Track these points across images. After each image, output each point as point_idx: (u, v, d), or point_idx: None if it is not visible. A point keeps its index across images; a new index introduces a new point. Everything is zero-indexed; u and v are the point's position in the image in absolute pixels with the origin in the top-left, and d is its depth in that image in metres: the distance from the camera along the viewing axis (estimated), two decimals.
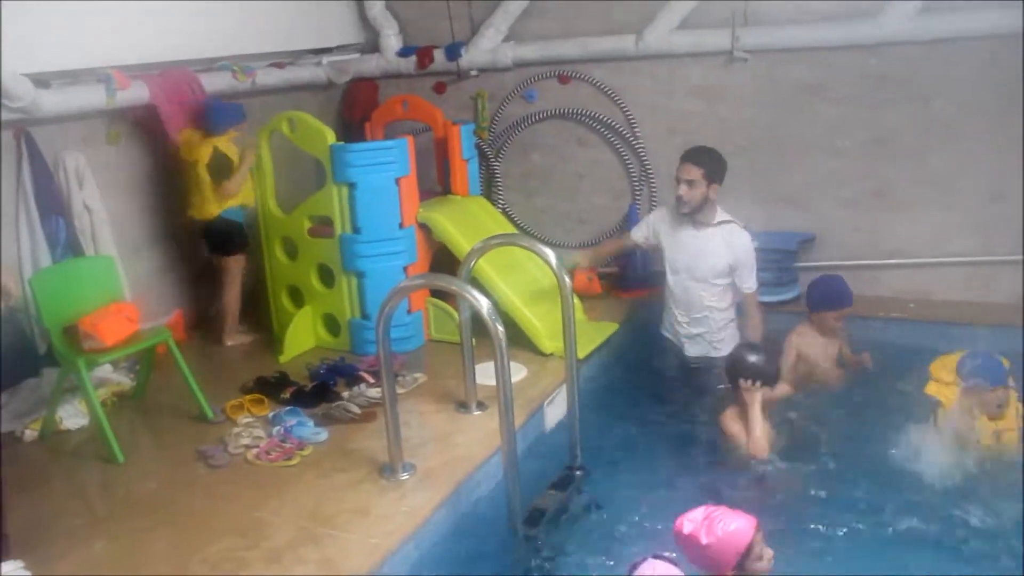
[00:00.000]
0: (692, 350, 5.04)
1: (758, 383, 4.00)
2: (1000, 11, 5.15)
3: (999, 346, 4.99)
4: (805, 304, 4.92)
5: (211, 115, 5.30)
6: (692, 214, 4.84)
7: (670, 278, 5.04)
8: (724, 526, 2.83)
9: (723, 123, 5.98)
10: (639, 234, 5.25)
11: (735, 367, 4.09)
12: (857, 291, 5.76)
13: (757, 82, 5.88)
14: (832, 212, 5.88)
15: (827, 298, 4.81)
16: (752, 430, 3.99)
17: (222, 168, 5.23)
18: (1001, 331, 5.20)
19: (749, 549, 2.83)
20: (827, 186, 5.86)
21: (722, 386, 4.89)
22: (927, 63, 5.46)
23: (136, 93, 5.10)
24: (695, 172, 4.74)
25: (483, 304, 3.43)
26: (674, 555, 2.83)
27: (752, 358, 4.05)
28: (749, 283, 4.86)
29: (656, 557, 2.77)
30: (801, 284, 5.83)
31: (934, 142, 5.58)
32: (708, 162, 4.76)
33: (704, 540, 2.82)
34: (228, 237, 5.44)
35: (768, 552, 2.90)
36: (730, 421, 4.15)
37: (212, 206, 5.30)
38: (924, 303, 5.69)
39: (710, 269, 4.86)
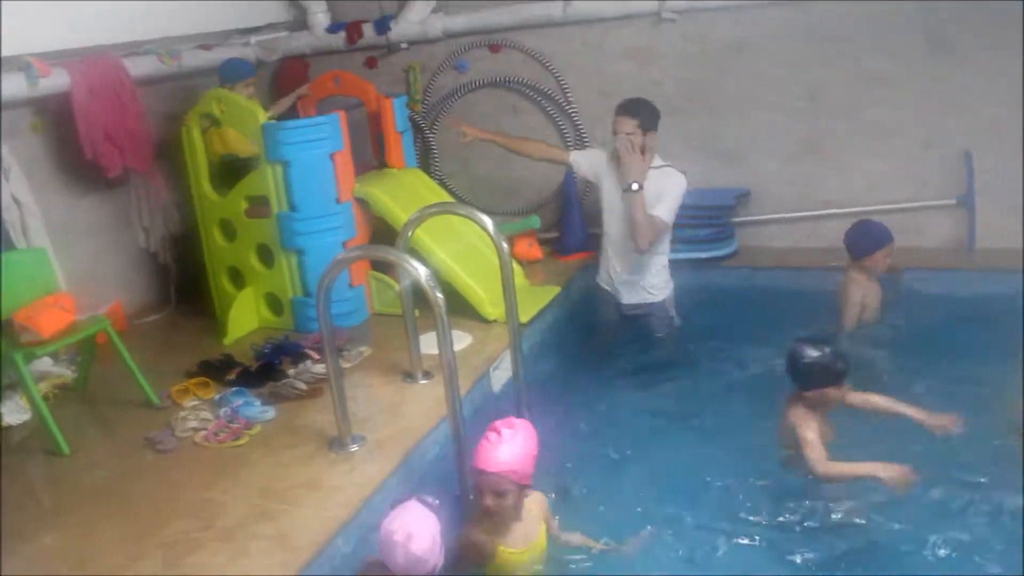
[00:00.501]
0: (628, 297, 5.10)
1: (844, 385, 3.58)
2: None
3: (940, 288, 5.19)
4: (851, 254, 4.74)
5: (222, 69, 5.72)
6: None
7: (608, 224, 5.08)
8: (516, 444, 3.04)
9: (655, 84, 6.01)
10: (581, 160, 5.21)
11: (814, 373, 3.55)
12: (793, 243, 5.97)
13: (687, 42, 5.93)
14: (767, 166, 5.97)
15: (874, 238, 4.68)
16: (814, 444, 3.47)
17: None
18: (941, 274, 5.36)
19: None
20: (761, 141, 5.94)
21: (661, 334, 5.03)
22: (854, 18, 5.54)
23: (58, 80, 4.99)
24: (630, 123, 4.80)
25: (421, 272, 3.44)
26: (437, 502, 2.91)
27: (827, 358, 3.52)
28: (660, 211, 4.78)
29: (419, 499, 2.87)
30: (739, 239, 5.93)
31: (865, 95, 5.67)
32: (641, 112, 4.84)
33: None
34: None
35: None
36: (803, 424, 3.55)
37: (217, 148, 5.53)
38: None
39: (647, 203, 4.83)
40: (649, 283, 5.05)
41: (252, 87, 5.75)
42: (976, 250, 5.60)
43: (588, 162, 5.19)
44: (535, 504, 3.28)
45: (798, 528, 3.45)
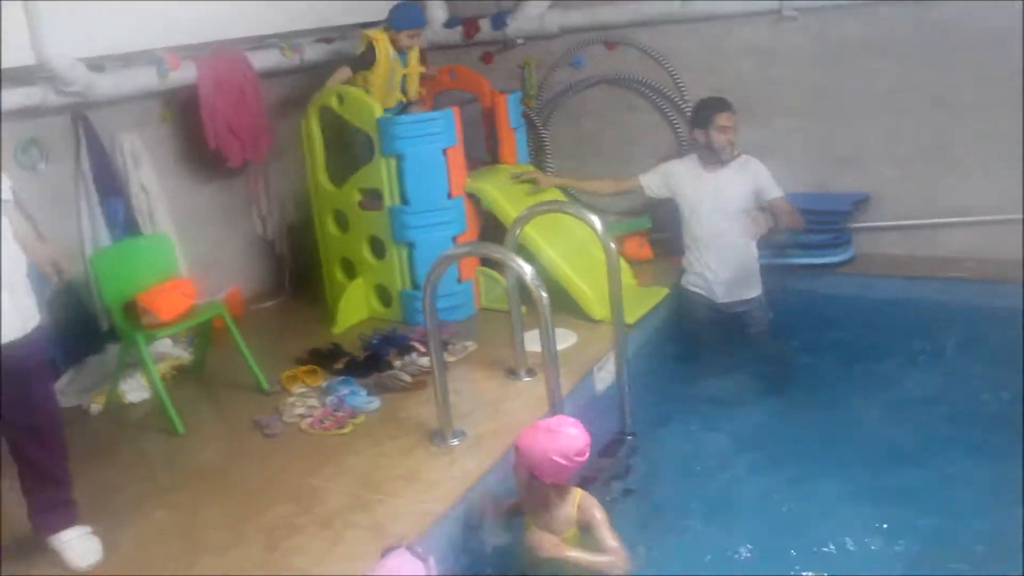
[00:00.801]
0: (726, 296, 5.04)
1: None
2: None
3: None
4: None
5: (392, 13, 5.42)
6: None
7: (695, 227, 5.09)
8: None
9: (774, 84, 5.89)
10: (651, 182, 5.33)
11: None
12: (913, 251, 5.74)
13: (808, 41, 5.77)
14: (887, 171, 5.76)
15: None
16: None
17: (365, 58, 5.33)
18: None
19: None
20: (882, 145, 5.73)
21: (762, 330, 5.04)
22: (987, 12, 5.27)
23: (187, 73, 5.18)
24: (732, 117, 4.99)
25: (526, 270, 3.46)
26: (423, 551, 2.88)
27: None
28: (775, 192, 4.96)
29: (409, 549, 2.85)
30: (856, 245, 5.75)
31: (996, 96, 5.39)
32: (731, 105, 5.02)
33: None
34: None
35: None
36: None
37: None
38: (985, 262, 5.55)
39: (738, 200, 4.98)
40: (748, 276, 5.04)
41: (418, 38, 5.55)
42: None
43: (659, 181, 5.30)
44: (572, 504, 3.24)
45: None
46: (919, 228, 5.76)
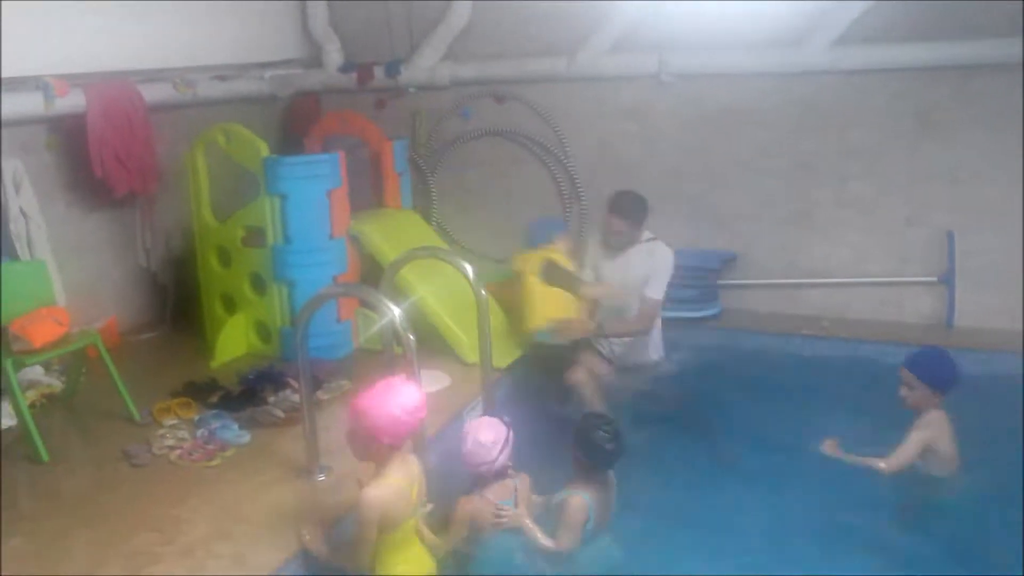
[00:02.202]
0: (625, 360, 5.15)
1: None
2: (907, 47, 5.49)
3: None
4: (933, 388, 4.01)
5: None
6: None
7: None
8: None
9: (651, 143, 6.21)
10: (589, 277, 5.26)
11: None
12: (776, 309, 6.08)
13: (684, 104, 6.11)
14: (755, 232, 6.11)
15: (956, 368, 4.07)
16: None
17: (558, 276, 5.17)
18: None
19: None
20: (751, 207, 6.09)
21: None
22: (845, 92, 5.74)
23: (75, 100, 5.20)
24: (621, 224, 4.94)
25: (395, 313, 3.57)
26: (508, 419, 3.57)
27: None
28: (653, 291, 4.96)
29: (491, 415, 3.42)
30: (722, 301, 6.06)
31: (853, 168, 5.84)
32: (631, 212, 4.95)
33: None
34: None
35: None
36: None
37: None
38: (839, 322, 5.92)
39: (637, 281, 5.00)
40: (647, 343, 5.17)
41: None
42: (954, 328, 5.71)
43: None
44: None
45: None
46: (781, 287, 6.11)
